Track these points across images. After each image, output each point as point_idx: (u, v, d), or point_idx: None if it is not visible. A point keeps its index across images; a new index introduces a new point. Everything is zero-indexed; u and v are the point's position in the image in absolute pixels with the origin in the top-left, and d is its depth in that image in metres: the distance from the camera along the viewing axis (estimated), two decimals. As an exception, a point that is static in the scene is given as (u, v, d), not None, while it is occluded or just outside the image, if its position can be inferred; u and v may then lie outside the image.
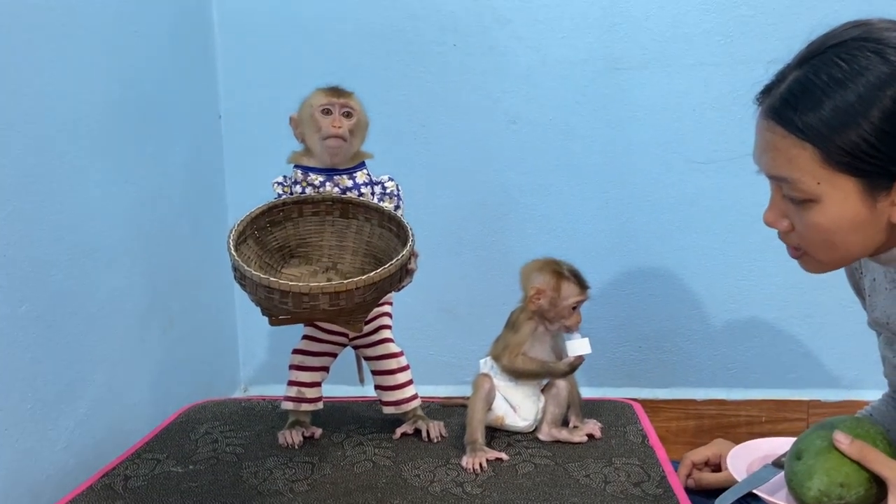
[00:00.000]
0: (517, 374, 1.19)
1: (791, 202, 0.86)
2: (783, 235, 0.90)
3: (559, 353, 1.21)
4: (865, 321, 1.07)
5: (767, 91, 0.86)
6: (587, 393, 1.29)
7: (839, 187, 0.81)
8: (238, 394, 1.85)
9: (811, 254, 0.88)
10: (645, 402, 1.39)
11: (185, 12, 1.63)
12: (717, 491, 1.14)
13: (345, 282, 1.00)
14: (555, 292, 1.17)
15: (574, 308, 1.17)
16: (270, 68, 1.76)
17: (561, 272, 1.18)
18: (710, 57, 1.65)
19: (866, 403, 1.21)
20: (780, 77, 0.85)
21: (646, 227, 1.72)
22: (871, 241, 0.85)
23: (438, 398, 1.41)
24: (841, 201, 0.81)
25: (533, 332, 1.19)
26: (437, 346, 1.80)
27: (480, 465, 1.10)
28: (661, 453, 1.14)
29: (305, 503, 1.02)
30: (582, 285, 1.18)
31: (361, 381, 1.35)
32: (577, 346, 1.17)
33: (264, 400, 1.43)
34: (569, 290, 1.17)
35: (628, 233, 1.73)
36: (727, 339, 1.75)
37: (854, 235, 0.84)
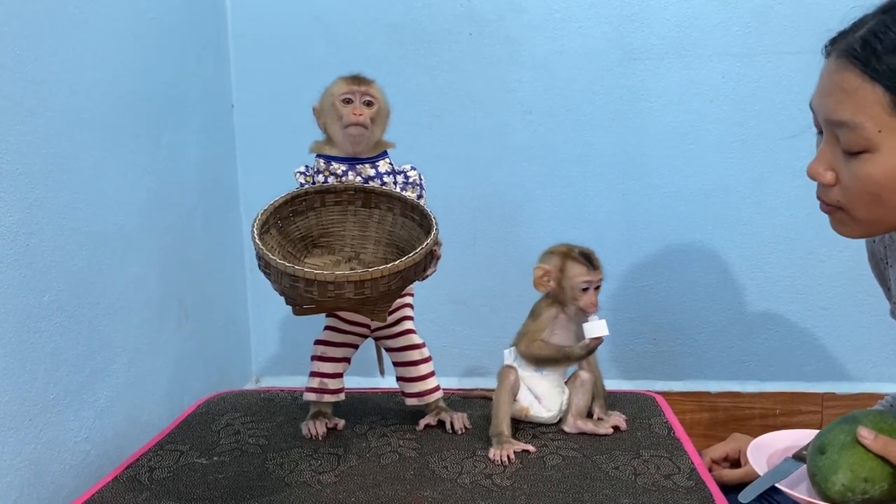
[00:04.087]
0: (535, 361, 1.18)
1: (843, 153, 0.84)
2: (822, 191, 0.89)
3: (581, 340, 1.20)
4: (881, 314, 1.07)
5: (842, 36, 0.85)
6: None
7: None
8: (250, 385, 1.84)
9: (851, 211, 0.87)
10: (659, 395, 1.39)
11: (198, 1, 1.62)
12: (738, 487, 1.13)
13: (370, 270, 0.98)
14: (560, 273, 1.16)
15: (584, 289, 1.16)
16: (282, 58, 1.74)
17: (568, 253, 1.17)
18: (727, 48, 1.64)
19: (881, 396, 1.20)
20: (859, 23, 0.84)
21: (662, 218, 1.72)
22: None
23: (459, 390, 1.40)
24: None
25: (554, 319, 1.19)
26: (452, 337, 1.79)
27: (508, 457, 1.09)
28: (689, 445, 1.14)
29: (334, 494, 1.01)
30: (591, 265, 1.16)
31: (382, 372, 1.34)
32: (593, 327, 1.15)
33: (282, 391, 1.42)
34: (575, 270, 1.15)
35: (644, 224, 1.72)
36: (741, 331, 1.75)
37: None
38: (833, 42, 0.86)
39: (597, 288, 1.17)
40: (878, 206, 0.85)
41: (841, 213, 0.88)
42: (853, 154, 0.83)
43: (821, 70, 0.87)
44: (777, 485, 0.92)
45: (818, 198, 0.90)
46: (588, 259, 1.16)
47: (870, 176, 0.83)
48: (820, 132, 0.89)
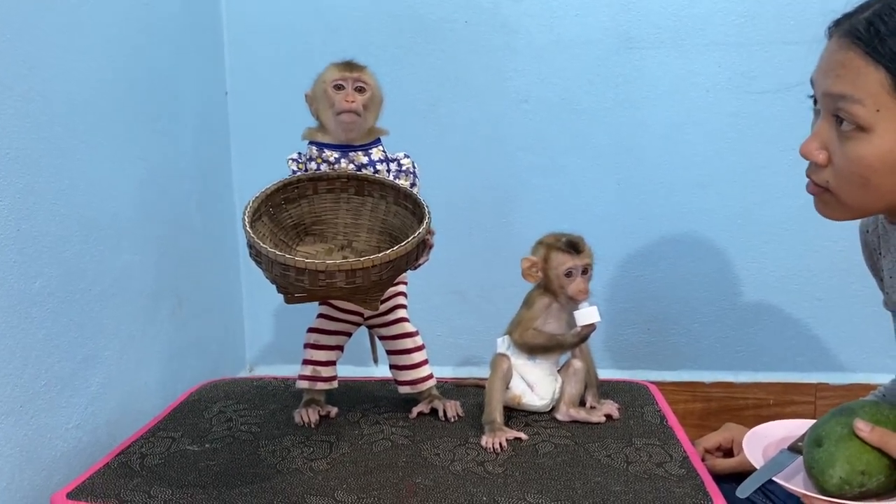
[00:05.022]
0: (528, 349, 1.18)
1: (837, 133, 0.85)
2: (813, 170, 0.89)
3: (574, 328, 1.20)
4: (874, 305, 1.06)
5: (846, 18, 0.85)
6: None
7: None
8: (243, 373, 1.84)
9: (839, 194, 0.87)
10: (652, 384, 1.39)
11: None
12: (731, 476, 1.14)
13: (361, 259, 0.98)
14: (546, 263, 1.16)
15: (569, 275, 1.15)
16: (277, 45, 1.73)
17: (553, 243, 1.17)
18: (724, 37, 1.64)
19: (874, 387, 1.21)
20: (864, 6, 0.85)
21: (657, 208, 1.71)
22: None
23: (452, 379, 1.40)
24: (892, 136, 0.81)
25: (547, 308, 1.19)
26: (446, 326, 1.79)
27: (500, 444, 1.09)
28: (681, 434, 1.14)
29: (326, 481, 1.01)
30: (574, 251, 1.15)
31: (375, 360, 1.34)
32: (585, 314, 1.15)
33: (275, 379, 1.42)
34: (558, 259, 1.15)
35: (639, 214, 1.72)
36: (736, 321, 1.75)
37: (892, 178, 0.83)
38: (837, 23, 0.87)
39: (584, 273, 1.16)
40: (866, 191, 0.85)
41: (828, 194, 0.89)
42: (847, 134, 0.84)
43: (823, 50, 0.87)
44: (773, 478, 0.92)
45: (808, 176, 0.90)
46: (571, 246, 1.16)
47: (861, 158, 0.83)
48: (817, 113, 0.89)
